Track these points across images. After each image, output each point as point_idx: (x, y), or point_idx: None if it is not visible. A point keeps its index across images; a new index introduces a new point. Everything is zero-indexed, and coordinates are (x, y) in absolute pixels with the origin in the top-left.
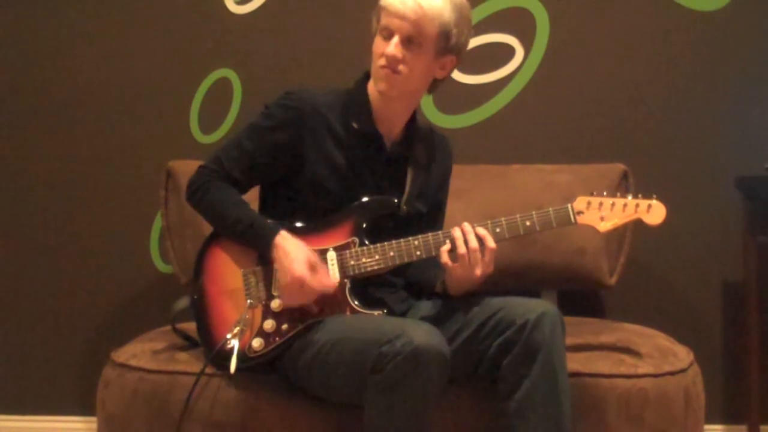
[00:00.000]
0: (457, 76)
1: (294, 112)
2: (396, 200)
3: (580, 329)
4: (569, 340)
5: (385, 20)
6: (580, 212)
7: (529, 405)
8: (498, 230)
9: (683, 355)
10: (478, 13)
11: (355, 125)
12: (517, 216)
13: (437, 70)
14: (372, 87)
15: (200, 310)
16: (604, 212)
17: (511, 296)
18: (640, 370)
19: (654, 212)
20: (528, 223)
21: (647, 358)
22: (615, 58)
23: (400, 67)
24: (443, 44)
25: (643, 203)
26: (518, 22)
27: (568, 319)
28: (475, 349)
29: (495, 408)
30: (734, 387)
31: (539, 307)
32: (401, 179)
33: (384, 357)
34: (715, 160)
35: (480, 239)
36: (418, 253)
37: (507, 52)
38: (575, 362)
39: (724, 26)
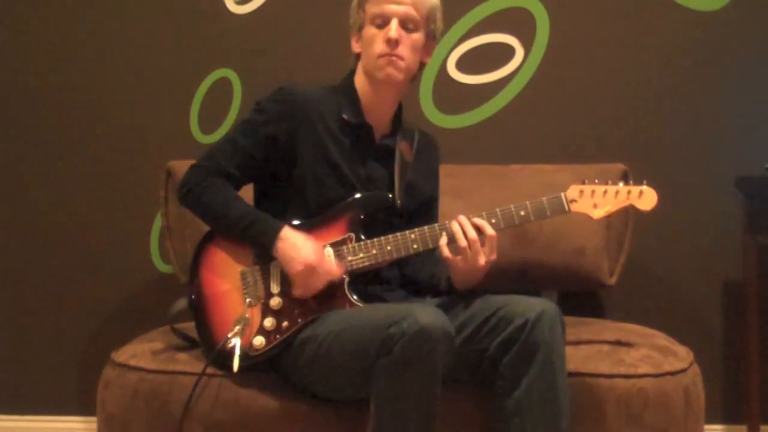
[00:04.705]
0: (457, 76)
1: (286, 105)
2: (390, 195)
3: (580, 329)
4: (569, 340)
5: (376, 8)
6: (573, 200)
7: (528, 403)
8: (493, 221)
9: (683, 355)
10: (478, 13)
11: (345, 116)
12: (512, 206)
13: (424, 56)
14: (360, 81)
15: (199, 311)
16: (597, 199)
17: (511, 295)
18: (640, 370)
19: (645, 198)
20: (522, 213)
21: (647, 358)
22: (615, 58)
23: (400, 50)
24: (432, 27)
25: (635, 189)
26: (518, 22)
27: (568, 319)
28: (475, 348)
29: (494, 406)
30: (734, 387)
31: (539, 305)
32: (390, 172)
33: (391, 338)
34: (715, 160)
35: (478, 229)
36: (415, 246)
37: (507, 52)
38: (575, 362)
39: (724, 26)
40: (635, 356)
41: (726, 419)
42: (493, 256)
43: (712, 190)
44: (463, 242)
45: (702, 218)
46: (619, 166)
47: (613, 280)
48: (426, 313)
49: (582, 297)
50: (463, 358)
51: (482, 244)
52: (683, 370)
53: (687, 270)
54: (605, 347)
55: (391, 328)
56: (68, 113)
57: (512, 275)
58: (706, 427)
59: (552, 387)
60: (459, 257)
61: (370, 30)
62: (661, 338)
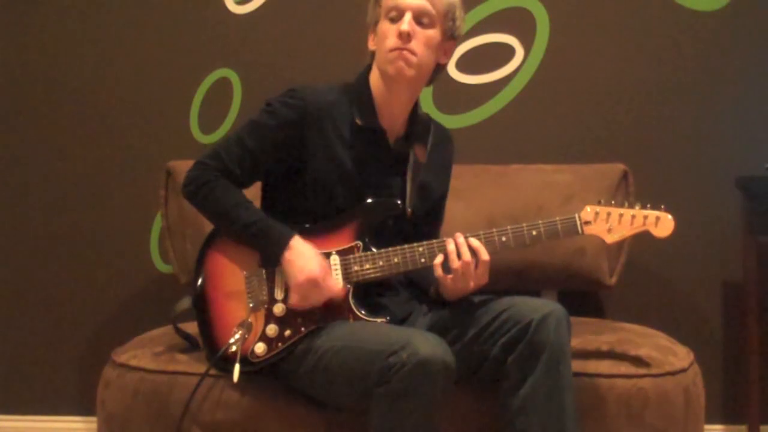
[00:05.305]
0: (457, 76)
1: (298, 110)
2: (399, 201)
3: (580, 329)
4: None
5: (391, 2)
6: (587, 222)
7: (532, 402)
8: (504, 239)
9: (683, 355)
10: (478, 13)
11: (358, 121)
12: (524, 225)
13: (441, 55)
14: (374, 79)
15: (202, 312)
16: (612, 224)
17: (516, 296)
18: (640, 370)
19: (662, 225)
20: (534, 233)
21: (647, 358)
22: (615, 58)
23: (413, 44)
24: (450, 25)
25: (651, 215)
26: (518, 22)
27: None
28: (478, 349)
29: (497, 405)
30: (734, 387)
31: (545, 306)
32: (403, 177)
33: (390, 368)
34: (715, 160)
35: (473, 251)
36: (423, 260)
37: (507, 52)
38: (575, 362)
39: (724, 26)
40: (635, 356)
41: (726, 419)
42: (484, 281)
43: (712, 190)
44: (455, 263)
45: (702, 218)
46: (619, 166)
47: (613, 280)
48: (426, 343)
49: (582, 297)
50: (466, 359)
51: (475, 267)
52: (683, 370)
53: (687, 270)
54: (604, 347)
55: (390, 358)
56: (68, 113)
57: (512, 275)
58: (706, 427)
59: (557, 387)
60: (450, 276)
61: (384, 24)
62: (661, 338)
